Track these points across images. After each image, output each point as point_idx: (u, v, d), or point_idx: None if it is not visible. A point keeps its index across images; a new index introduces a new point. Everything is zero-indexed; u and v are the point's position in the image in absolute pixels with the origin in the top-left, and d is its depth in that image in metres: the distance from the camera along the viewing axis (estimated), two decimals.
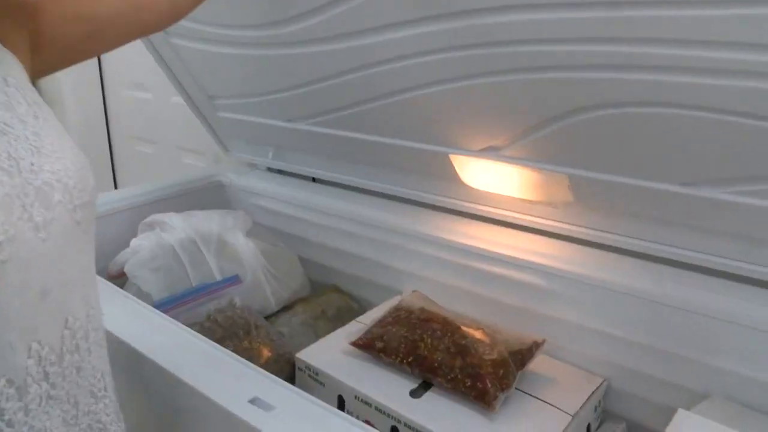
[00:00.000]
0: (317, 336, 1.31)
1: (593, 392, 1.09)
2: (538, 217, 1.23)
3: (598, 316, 1.12)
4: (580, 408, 1.05)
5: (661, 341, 1.06)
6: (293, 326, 1.33)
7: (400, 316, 1.14)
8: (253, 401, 0.81)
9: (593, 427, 1.11)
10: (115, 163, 2.62)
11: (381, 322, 1.15)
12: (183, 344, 0.96)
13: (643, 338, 1.08)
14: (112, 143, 2.59)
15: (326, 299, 1.42)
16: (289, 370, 1.21)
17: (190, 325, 1.15)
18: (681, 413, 0.88)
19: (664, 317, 1.05)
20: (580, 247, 1.21)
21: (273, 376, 0.88)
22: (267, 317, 1.34)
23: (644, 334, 1.08)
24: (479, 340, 1.06)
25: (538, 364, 1.13)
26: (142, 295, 1.30)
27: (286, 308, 1.38)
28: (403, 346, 1.09)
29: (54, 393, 0.63)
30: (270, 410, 0.79)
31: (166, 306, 1.22)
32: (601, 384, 1.12)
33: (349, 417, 0.79)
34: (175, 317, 1.19)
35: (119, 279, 1.33)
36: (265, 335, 1.20)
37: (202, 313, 1.20)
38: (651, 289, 1.07)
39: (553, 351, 1.18)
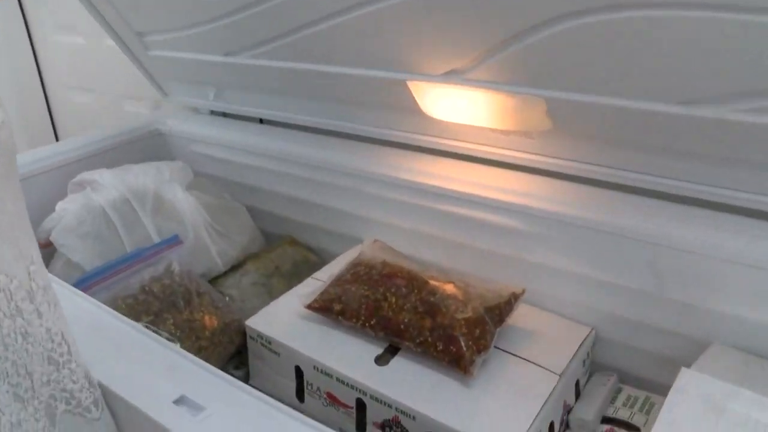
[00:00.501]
0: (272, 296, 1.16)
1: (581, 344, 0.97)
2: (512, 149, 1.08)
3: (584, 259, 0.99)
4: (568, 365, 0.92)
5: (655, 284, 0.93)
6: (243, 288, 1.19)
7: (359, 273, 1.00)
8: (179, 401, 0.67)
9: (582, 383, 0.99)
10: (54, 115, 2.41)
11: (338, 281, 1.01)
12: (98, 329, 0.81)
13: (635, 282, 0.95)
14: (48, 94, 2.37)
15: (280, 253, 1.28)
16: (240, 340, 1.07)
17: (125, 298, 1.00)
18: (684, 373, 0.75)
19: (658, 257, 0.92)
20: (560, 182, 1.06)
21: (207, 366, 0.74)
22: (213, 280, 1.20)
23: (636, 278, 0.95)
24: (450, 296, 0.92)
25: (518, 317, 1.00)
26: (72, 267, 1.14)
27: (236, 268, 1.23)
28: (364, 307, 0.95)
29: None
30: (198, 413, 0.65)
31: (96, 277, 1.07)
32: (589, 334, 0.99)
33: (301, 416, 0.65)
34: (108, 289, 1.05)
35: (48, 249, 1.17)
36: (208, 303, 1.06)
37: (138, 283, 1.05)
38: (643, 226, 0.93)
39: (534, 300, 1.05)
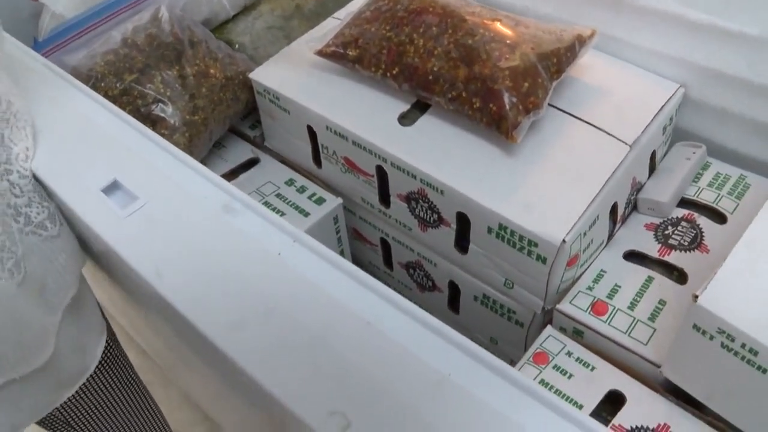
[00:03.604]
0: (290, 43, 0.97)
1: (663, 106, 0.75)
2: None
3: None
4: (643, 132, 0.72)
5: None
6: (257, 33, 0.99)
7: (381, 8, 0.78)
8: (109, 189, 0.54)
9: (660, 154, 0.79)
10: None
11: (356, 19, 0.80)
12: (49, 102, 0.65)
13: (746, 25, 0.71)
14: None
15: None
16: (248, 96, 0.90)
17: (104, 54, 0.83)
18: None
19: None
20: None
21: (159, 140, 0.59)
22: (220, 27, 1.00)
23: (748, 19, 0.71)
24: (494, 39, 0.71)
25: (583, 68, 0.78)
26: (57, 18, 0.96)
27: (248, 10, 1.02)
28: (385, 52, 0.75)
29: None
30: (127, 204, 0.51)
31: (75, 29, 0.89)
32: (676, 92, 0.77)
33: (246, 200, 0.49)
34: (88, 45, 0.88)
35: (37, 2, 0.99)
36: (205, 54, 0.87)
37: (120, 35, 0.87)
38: None
39: (607, 47, 0.82)
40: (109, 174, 0.55)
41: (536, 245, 0.65)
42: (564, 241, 0.63)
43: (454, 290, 0.82)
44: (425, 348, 0.42)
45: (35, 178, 0.58)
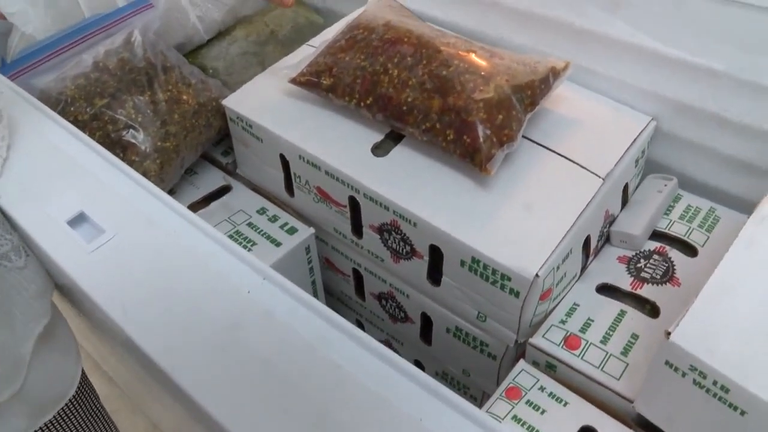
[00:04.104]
0: (265, 68, 0.96)
1: (635, 138, 0.76)
2: None
3: (652, 24, 0.75)
4: (616, 165, 0.72)
5: (746, 60, 0.70)
6: (231, 59, 0.98)
7: (356, 38, 0.78)
8: (75, 221, 0.52)
9: (632, 187, 0.80)
10: None
11: (330, 48, 0.80)
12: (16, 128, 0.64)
13: (719, 60, 0.72)
14: None
15: (278, 15, 1.05)
16: (221, 123, 0.89)
17: (75, 78, 0.82)
18: None
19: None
20: None
21: (127, 170, 0.58)
22: (193, 52, 0.99)
23: (721, 53, 0.72)
24: (469, 70, 0.71)
25: (557, 100, 0.79)
26: (27, 39, 0.95)
27: (222, 35, 1.01)
28: (359, 81, 0.75)
29: None
30: (94, 237, 0.50)
31: (45, 51, 0.88)
32: (648, 125, 0.78)
33: (221, 238, 0.48)
34: (58, 68, 0.86)
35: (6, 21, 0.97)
36: (178, 80, 0.86)
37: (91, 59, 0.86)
38: None
39: (580, 79, 0.83)
40: (76, 205, 0.54)
41: (509, 279, 0.65)
42: (537, 275, 0.63)
43: (426, 322, 0.82)
44: (397, 392, 0.41)
45: None
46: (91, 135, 0.80)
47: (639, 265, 0.73)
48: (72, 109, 0.81)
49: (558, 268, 0.66)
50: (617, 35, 0.78)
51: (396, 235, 0.73)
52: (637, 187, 0.81)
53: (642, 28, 0.76)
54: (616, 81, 0.81)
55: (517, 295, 0.66)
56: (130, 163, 0.79)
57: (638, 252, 0.75)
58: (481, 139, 0.67)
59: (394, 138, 0.76)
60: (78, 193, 0.56)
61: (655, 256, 0.73)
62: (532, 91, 0.72)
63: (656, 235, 0.76)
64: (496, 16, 0.87)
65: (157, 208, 0.54)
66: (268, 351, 0.44)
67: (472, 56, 0.72)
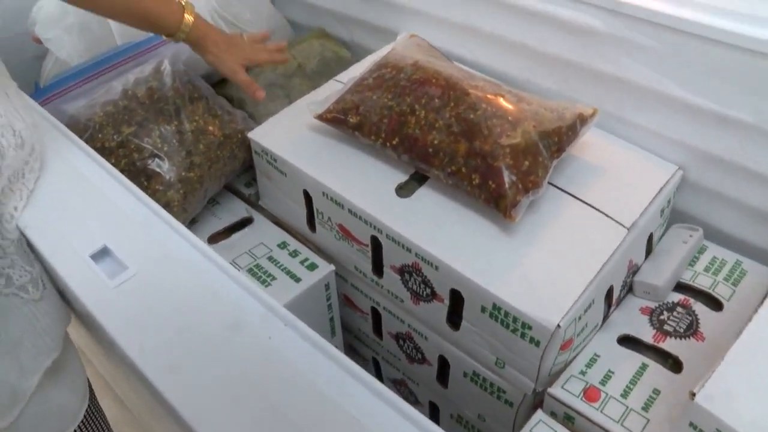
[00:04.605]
0: (291, 101, 0.97)
1: (662, 188, 0.75)
2: None
3: (680, 75, 0.75)
4: (642, 214, 0.72)
5: None
6: None
7: (384, 76, 0.78)
8: (98, 255, 0.52)
9: (656, 236, 0.79)
10: None
11: (358, 86, 0.80)
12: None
13: (745, 111, 0.71)
14: None
15: (306, 48, 1.06)
16: (245, 155, 0.90)
17: (104, 105, 0.83)
18: None
19: None
20: None
21: (152, 204, 0.57)
22: (221, 82, 1.00)
23: (747, 106, 0.71)
24: (496, 114, 0.71)
25: (584, 146, 0.78)
26: (60, 64, 0.97)
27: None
28: (386, 121, 0.75)
29: None
30: (117, 274, 0.50)
31: (77, 78, 0.89)
32: (674, 174, 0.77)
33: (245, 282, 0.48)
34: (88, 94, 0.87)
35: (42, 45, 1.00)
36: (204, 111, 0.87)
37: (120, 86, 0.87)
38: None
39: (608, 125, 0.82)
40: (100, 239, 0.54)
41: (530, 328, 0.64)
42: (559, 326, 0.62)
43: (443, 364, 0.81)
44: None
45: (23, 234, 0.57)
46: (117, 162, 0.81)
47: (662, 317, 0.72)
48: (100, 135, 0.82)
49: (580, 318, 0.65)
50: (645, 82, 0.78)
51: (417, 276, 0.72)
52: (661, 237, 0.80)
53: (670, 76, 0.76)
54: (642, 128, 0.80)
55: (537, 344, 0.65)
56: (154, 192, 0.80)
57: (662, 303, 0.73)
58: (507, 185, 0.67)
59: (418, 179, 0.75)
60: (102, 225, 0.56)
61: (679, 309, 0.72)
62: (559, 138, 0.71)
63: (680, 287, 0.75)
64: (523, 59, 0.87)
65: (181, 246, 0.54)
66: (287, 401, 0.43)
67: (500, 100, 0.72)
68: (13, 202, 0.57)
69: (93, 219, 0.57)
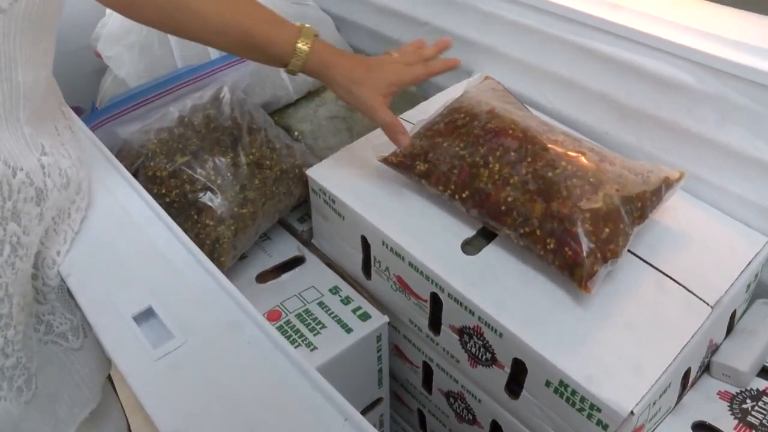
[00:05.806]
0: (353, 135, 0.93)
1: (750, 262, 0.69)
2: None
3: None
4: (727, 291, 0.66)
5: None
6: (318, 122, 0.95)
7: (456, 122, 0.74)
8: (141, 317, 0.48)
9: (739, 313, 0.73)
10: None
11: (428, 130, 0.75)
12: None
13: None
14: None
15: None
16: (302, 191, 0.86)
17: (159, 131, 0.80)
18: None
19: None
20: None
21: (205, 262, 0.54)
22: (281, 110, 0.96)
23: None
24: (577, 173, 0.66)
25: (668, 211, 0.73)
26: (121, 85, 0.94)
27: (311, 95, 0.99)
28: (456, 171, 0.70)
29: None
30: (162, 343, 0.46)
31: (133, 100, 0.87)
32: (764, 247, 0.71)
33: (310, 371, 0.44)
34: (144, 118, 0.84)
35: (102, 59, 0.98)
36: (262, 143, 0.83)
37: (177, 112, 0.84)
38: None
39: (694, 190, 0.76)
40: (144, 298, 0.50)
41: (599, 410, 0.59)
42: (632, 412, 0.57)
43: (495, 428, 0.75)
44: None
45: (64, 281, 0.54)
46: (168, 192, 0.77)
47: (745, 407, 0.66)
48: (152, 163, 0.79)
49: (654, 403, 0.60)
50: (734, 144, 0.72)
51: (477, 340, 0.67)
52: (744, 312, 0.74)
53: (763, 137, 0.70)
54: (729, 193, 0.75)
55: (605, 428, 0.59)
56: (204, 227, 0.76)
57: (744, 390, 0.67)
58: (584, 254, 0.62)
59: (486, 235, 0.71)
60: (149, 281, 0.52)
61: (765, 398, 0.66)
62: (643, 203, 0.66)
63: (765, 372, 0.68)
64: (603, 110, 0.82)
65: (234, 312, 0.49)
66: None
67: (582, 159, 0.67)
68: (56, 246, 0.54)
69: (139, 272, 0.53)
